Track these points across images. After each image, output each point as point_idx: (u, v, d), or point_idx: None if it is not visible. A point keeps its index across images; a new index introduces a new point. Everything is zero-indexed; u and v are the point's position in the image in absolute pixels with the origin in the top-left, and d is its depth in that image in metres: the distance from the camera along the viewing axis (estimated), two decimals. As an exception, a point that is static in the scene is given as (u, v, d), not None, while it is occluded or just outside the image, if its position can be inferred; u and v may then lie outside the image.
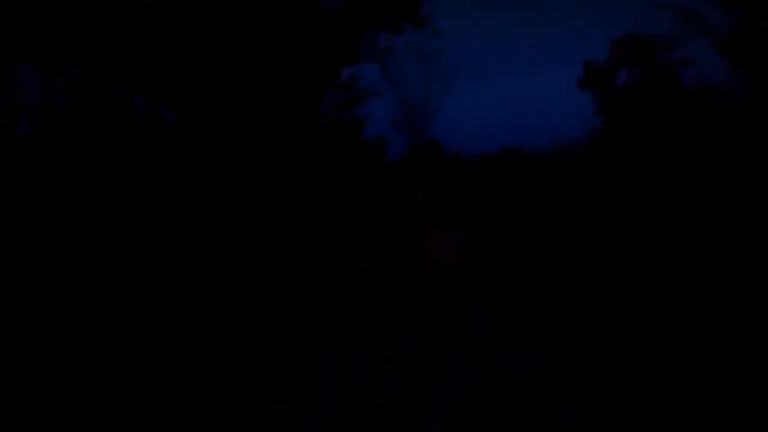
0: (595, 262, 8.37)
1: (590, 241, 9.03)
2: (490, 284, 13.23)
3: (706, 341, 5.61)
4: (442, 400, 4.45)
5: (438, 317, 9.00)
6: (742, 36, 11.91)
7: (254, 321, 8.06)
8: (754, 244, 6.11)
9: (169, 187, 9.87)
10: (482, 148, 27.57)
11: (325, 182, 15.17)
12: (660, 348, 5.68)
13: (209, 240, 9.99)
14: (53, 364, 5.16)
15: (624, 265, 7.63)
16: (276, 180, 12.48)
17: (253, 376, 5.24)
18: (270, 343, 6.76)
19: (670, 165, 10.38)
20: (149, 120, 10.26)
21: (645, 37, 20.27)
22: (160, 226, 9.16)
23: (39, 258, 7.06)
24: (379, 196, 19.39)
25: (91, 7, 9.44)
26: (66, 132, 9.13)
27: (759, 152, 8.36)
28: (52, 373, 4.89)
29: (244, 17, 11.29)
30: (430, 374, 5.27)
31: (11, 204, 7.39)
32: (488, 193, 19.11)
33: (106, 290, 7.34)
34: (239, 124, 11.84)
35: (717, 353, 5.25)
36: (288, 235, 12.51)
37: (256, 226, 11.58)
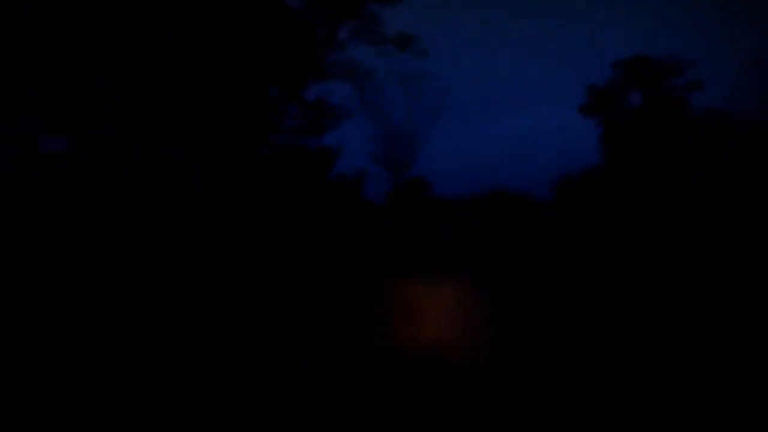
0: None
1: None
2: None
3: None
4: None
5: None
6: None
7: (254, 320, 8.05)
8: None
9: (169, 187, 9.86)
10: (473, 186, 25.12)
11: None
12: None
13: (209, 239, 9.99)
14: (53, 360, 5.16)
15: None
16: (274, 180, 12.46)
17: (253, 376, 5.23)
18: (270, 342, 6.75)
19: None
20: (149, 120, 10.25)
21: (651, 60, 19.64)
22: (161, 226, 9.15)
23: (39, 256, 7.06)
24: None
25: (91, 7, 9.42)
26: (66, 132, 9.12)
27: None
28: (52, 368, 4.89)
29: (242, 17, 11.25)
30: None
31: (12, 203, 7.39)
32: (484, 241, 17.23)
33: (107, 288, 7.33)
34: (238, 123, 11.82)
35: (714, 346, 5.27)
36: (288, 235, 12.49)
37: (257, 226, 11.57)
